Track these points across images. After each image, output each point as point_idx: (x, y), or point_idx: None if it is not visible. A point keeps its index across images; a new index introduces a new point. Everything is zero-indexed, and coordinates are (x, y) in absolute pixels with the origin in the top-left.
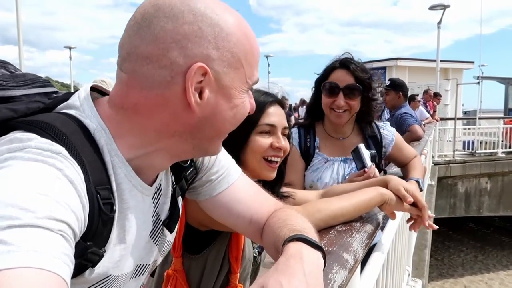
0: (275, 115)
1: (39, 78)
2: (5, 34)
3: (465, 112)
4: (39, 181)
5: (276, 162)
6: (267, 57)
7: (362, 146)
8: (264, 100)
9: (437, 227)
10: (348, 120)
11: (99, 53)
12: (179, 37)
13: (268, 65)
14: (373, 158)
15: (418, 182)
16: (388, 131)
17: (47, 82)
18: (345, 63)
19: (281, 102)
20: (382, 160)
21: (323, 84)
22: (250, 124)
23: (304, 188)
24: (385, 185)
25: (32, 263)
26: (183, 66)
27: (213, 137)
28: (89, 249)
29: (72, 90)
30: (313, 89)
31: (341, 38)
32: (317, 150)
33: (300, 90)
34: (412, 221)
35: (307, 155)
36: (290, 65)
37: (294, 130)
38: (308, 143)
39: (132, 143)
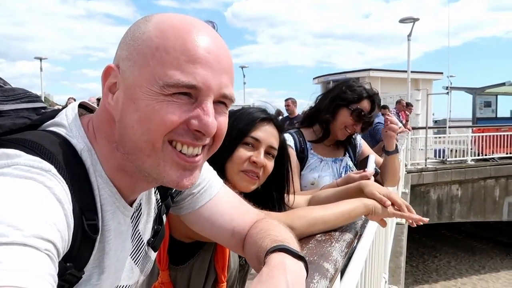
0: (264, 132)
1: (29, 92)
2: None
3: (435, 121)
4: (27, 198)
5: (254, 176)
6: (242, 68)
7: (372, 157)
8: (258, 116)
9: (427, 219)
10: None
11: (71, 64)
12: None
13: (244, 76)
14: (375, 172)
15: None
16: (358, 139)
17: (36, 97)
18: (373, 96)
19: (277, 124)
20: (357, 161)
21: (357, 109)
22: (239, 134)
23: (302, 187)
24: (360, 190)
25: (19, 282)
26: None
27: (134, 150)
28: (68, 270)
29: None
30: (323, 100)
31: (315, 50)
32: (312, 151)
33: (275, 101)
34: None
35: (302, 155)
36: (265, 76)
37: (287, 135)
38: (302, 145)
39: (113, 163)
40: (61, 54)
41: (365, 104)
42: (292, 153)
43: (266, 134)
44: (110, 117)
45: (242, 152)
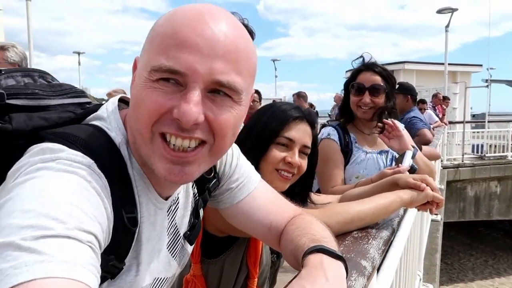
0: (297, 131)
1: (75, 88)
2: (15, 39)
3: (473, 115)
4: (69, 192)
5: (288, 176)
6: (274, 61)
7: (409, 153)
8: (291, 114)
9: (442, 197)
10: (373, 115)
11: (107, 58)
12: None
13: (275, 69)
14: (412, 169)
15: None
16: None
17: (82, 93)
18: (369, 66)
19: (310, 121)
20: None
21: (351, 84)
22: (271, 134)
23: (347, 181)
24: (395, 184)
25: (64, 273)
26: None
27: (136, 140)
28: (110, 261)
29: None
30: (343, 91)
31: (348, 42)
32: (356, 144)
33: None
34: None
35: (347, 149)
36: (297, 69)
37: (331, 129)
38: (347, 138)
39: (139, 154)
40: (98, 48)
41: (364, 76)
42: (335, 147)
43: (300, 133)
44: None
45: (276, 153)
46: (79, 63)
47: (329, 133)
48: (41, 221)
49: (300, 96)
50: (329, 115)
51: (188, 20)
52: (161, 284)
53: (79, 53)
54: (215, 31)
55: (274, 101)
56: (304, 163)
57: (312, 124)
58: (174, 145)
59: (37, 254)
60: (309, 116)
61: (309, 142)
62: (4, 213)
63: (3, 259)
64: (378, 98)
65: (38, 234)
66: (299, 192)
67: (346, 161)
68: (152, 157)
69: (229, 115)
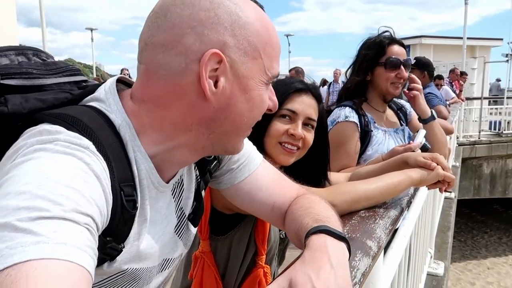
0: (300, 103)
1: (70, 66)
2: (30, 16)
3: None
4: (67, 174)
5: (293, 149)
6: (287, 36)
7: (422, 131)
8: (294, 86)
9: (453, 176)
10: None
11: (120, 34)
12: (194, 23)
13: (289, 44)
14: (424, 147)
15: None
16: (408, 106)
17: (77, 71)
18: (397, 40)
19: (315, 94)
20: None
21: (387, 59)
22: None
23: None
24: (405, 162)
25: (60, 255)
26: (198, 53)
27: (230, 132)
28: (108, 244)
29: (94, 71)
30: (357, 68)
31: (364, 16)
32: (375, 124)
33: (321, 70)
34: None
35: (367, 129)
36: (311, 44)
37: (348, 110)
38: (366, 118)
39: (154, 138)
40: (111, 24)
41: (396, 50)
42: (354, 132)
43: (303, 105)
44: (180, 97)
45: (279, 125)
46: (92, 40)
47: (347, 115)
48: (37, 203)
49: (298, 72)
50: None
51: (271, 26)
52: (169, 265)
53: (91, 30)
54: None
55: (286, 77)
56: (308, 135)
57: (318, 97)
58: None
59: (33, 235)
60: (314, 89)
61: (313, 114)
62: (0, 194)
63: None
64: (408, 72)
65: (34, 215)
66: (315, 172)
67: (367, 142)
68: (241, 142)
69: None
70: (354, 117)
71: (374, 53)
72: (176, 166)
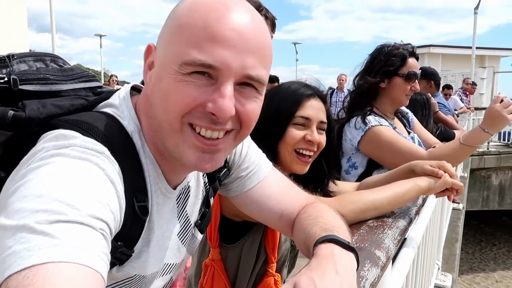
0: (311, 109)
1: (86, 72)
2: (41, 22)
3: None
4: (83, 179)
5: (309, 156)
6: (295, 44)
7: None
8: (303, 93)
9: (461, 184)
10: None
11: (129, 41)
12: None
13: (296, 52)
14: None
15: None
16: (411, 114)
17: (92, 77)
18: (414, 52)
19: (322, 96)
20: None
21: (409, 72)
22: (286, 116)
23: None
24: (412, 171)
25: (76, 259)
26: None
27: (160, 129)
28: (119, 248)
29: (102, 77)
30: (375, 71)
31: (372, 25)
32: (396, 130)
33: (328, 78)
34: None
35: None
36: (319, 52)
37: (373, 117)
38: (390, 126)
39: (154, 142)
40: (120, 30)
41: (412, 62)
42: (390, 128)
43: (315, 110)
44: (148, 96)
45: (295, 132)
46: (101, 46)
47: (379, 120)
48: (55, 206)
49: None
50: None
51: (217, 13)
52: (170, 269)
53: (100, 36)
54: (247, 25)
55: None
56: (323, 138)
57: (324, 99)
58: (204, 136)
59: (50, 238)
60: (320, 92)
61: (324, 118)
62: (17, 197)
63: (17, 241)
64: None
65: (52, 218)
66: (324, 172)
67: None
68: (182, 146)
69: (255, 105)
70: (384, 122)
71: (395, 62)
72: (177, 172)
